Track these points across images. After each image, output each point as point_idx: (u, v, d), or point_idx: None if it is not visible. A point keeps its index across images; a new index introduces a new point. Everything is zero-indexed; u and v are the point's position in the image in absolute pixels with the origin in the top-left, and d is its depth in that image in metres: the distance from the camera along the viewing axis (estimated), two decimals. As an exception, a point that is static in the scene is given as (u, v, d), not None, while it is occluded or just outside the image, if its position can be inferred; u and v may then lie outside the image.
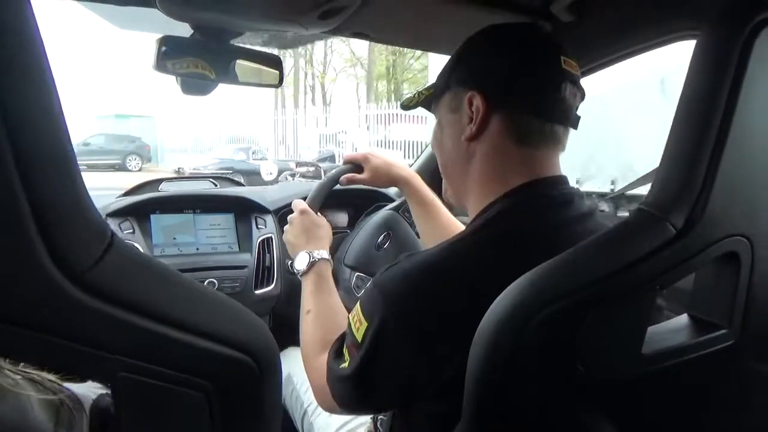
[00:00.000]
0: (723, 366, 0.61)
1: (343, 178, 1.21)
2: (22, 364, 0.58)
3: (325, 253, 1.05)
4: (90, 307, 0.30)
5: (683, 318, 0.63)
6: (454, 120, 0.81)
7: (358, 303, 0.75)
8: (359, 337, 0.72)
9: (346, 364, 0.75)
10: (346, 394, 0.76)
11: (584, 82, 0.81)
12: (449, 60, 0.83)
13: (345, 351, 0.76)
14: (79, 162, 0.30)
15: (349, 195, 1.67)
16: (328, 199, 1.20)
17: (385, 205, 1.76)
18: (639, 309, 0.55)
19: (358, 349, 0.72)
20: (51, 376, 0.59)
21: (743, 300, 0.58)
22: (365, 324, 0.71)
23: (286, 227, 1.14)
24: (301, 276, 1.04)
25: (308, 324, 0.96)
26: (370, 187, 1.80)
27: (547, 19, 1.03)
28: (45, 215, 0.28)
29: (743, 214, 0.56)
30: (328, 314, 0.96)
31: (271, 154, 17.72)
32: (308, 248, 1.05)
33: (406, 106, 0.96)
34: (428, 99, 0.88)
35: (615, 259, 0.54)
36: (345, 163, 1.25)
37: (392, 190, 1.84)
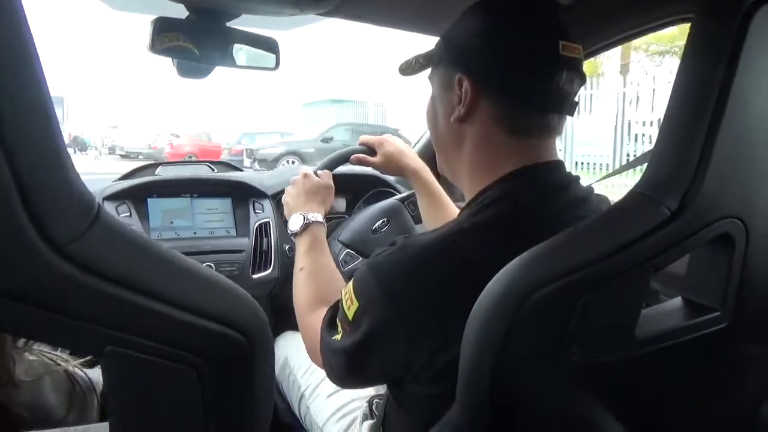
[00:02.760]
0: (716, 348, 0.61)
1: (353, 157, 1.24)
2: (36, 346, 0.58)
3: (319, 216, 1.06)
4: (76, 279, 0.30)
5: (677, 301, 0.63)
6: (446, 98, 0.79)
7: (351, 281, 0.75)
8: (350, 315, 0.72)
9: (338, 336, 0.75)
10: (337, 366, 0.77)
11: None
12: (443, 34, 0.81)
13: (338, 323, 0.77)
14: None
15: (348, 180, 1.67)
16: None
17: (384, 191, 1.77)
18: (632, 291, 0.55)
19: (350, 326, 0.73)
20: (67, 357, 0.60)
21: (737, 282, 0.58)
22: (356, 304, 0.71)
23: (287, 188, 1.16)
24: (294, 237, 1.06)
25: (301, 281, 0.97)
26: (370, 172, 1.81)
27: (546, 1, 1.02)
28: (30, 188, 0.28)
29: (737, 196, 0.56)
30: (321, 272, 0.98)
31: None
32: (304, 210, 1.07)
33: (404, 70, 0.93)
34: (424, 68, 0.87)
35: (609, 241, 0.54)
36: (360, 144, 1.27)
37: (392, 177, 1.84)
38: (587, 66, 0.81)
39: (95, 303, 0.31)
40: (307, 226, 1.04)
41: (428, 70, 0.86)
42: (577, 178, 0.78)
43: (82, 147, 23.59)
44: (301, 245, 1.03)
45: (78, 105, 33.36)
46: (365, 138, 1.27)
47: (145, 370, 0.33)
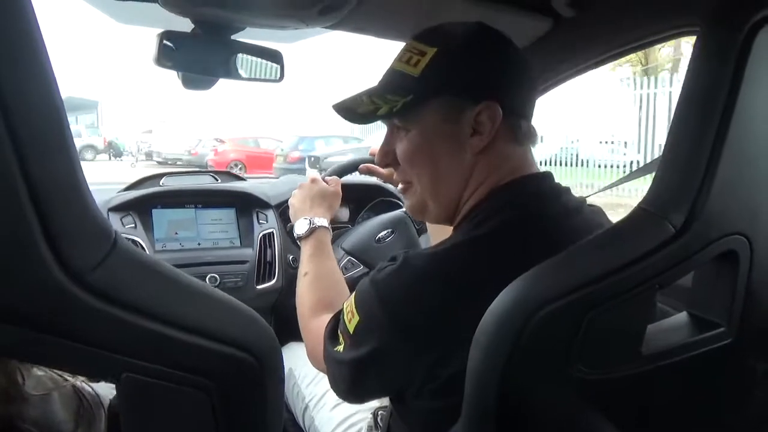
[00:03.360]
0: (721, 364, 0.61)
1: (363, 166, 1.26)
2: None
3: (325, 222, 1.07)
4: (94, 308, 0.30)
5: (682, 316, 0.64)
6: (451, 131, 0.73)
7: (353, 294, 0.75)
8: (350, 328, 0.73)
9: (341, 348, 0.75)
10: (340, 378, 0.77)
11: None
12: (432, 61, 0.72)
13: (339, 334, 0.77)
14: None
15: (352, 189, 1.67)
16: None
17: (387, 201, 1.77)
18: (638, 308, 0.56)
19: (351, 340, 0.73)
20: (69, 376, 0.60)
21: (742, 298, 0.58)
22: (357, 318, 0.72)
23: (294, 191, 1.16)
24: (300, 241, 1.06)
25: (305, 286, 0.97)
26: (374, 182, 1.81)
27: (548, 15, 1.03)
28: (51, 220, 0.29)
29: (742, 213, 0.56)
30: (326, 277, 0.98)
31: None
32: (310, 214, 1.07)
33: (354, 115, 0.78)
34: (404, 107, 0.73)
35: (614, 258, 0.54)
36: (371, 154, 1.28)
37: (395, 187, 1.84)
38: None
39: (112, 331, 0.31)
40: (313, 230, 1.05)
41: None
42: (568, 188, 0.79)
43: (117, 153, 22.67)
44: (306, 249, 1.04)
45: (112, 109, 32.22)
46: (376, 149, 1.27)
47: (160, 395, 0.33)
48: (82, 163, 0.31)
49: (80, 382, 0.62)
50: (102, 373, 0.33)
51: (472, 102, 0.72)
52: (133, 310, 0.31)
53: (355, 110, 0.78)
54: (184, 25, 1.08)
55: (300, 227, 1.06)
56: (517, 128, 0.75)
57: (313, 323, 0.89)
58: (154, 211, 1.53)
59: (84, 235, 0.31)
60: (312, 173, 1.21)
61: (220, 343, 0.35)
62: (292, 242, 1.63)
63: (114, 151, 22.57)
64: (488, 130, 0.72)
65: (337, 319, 0.80)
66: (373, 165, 1.25)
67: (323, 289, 0.95)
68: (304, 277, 0.99)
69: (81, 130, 23.26)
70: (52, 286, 0.29)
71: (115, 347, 0.31)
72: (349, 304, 0.75)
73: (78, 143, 21.13)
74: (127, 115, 31.01)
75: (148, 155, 21.13)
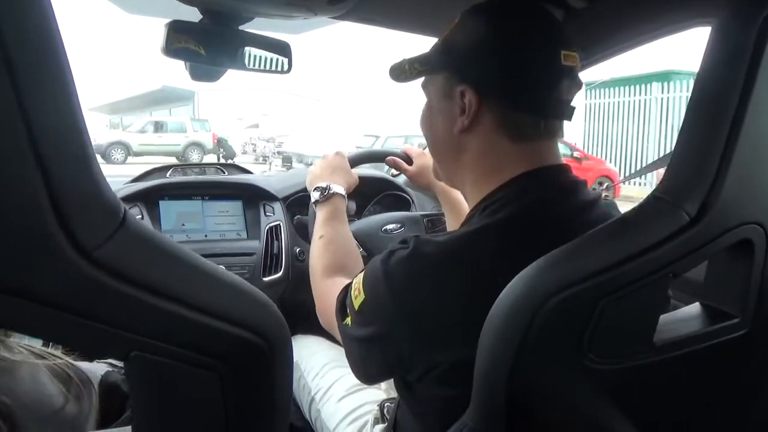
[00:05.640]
0: (735, 355, 0.61)
1: (389, 158, 1.31)
2: (26, 340, 0.58)
3: (342, 190, 1.09)
4: (103, 284, 0.30)
5: (695, 307, 0.63)
6: (446, 107, 0.78)
7: (363, 272, 0.76)
8: (356, 304, 0.74)
9: (348, 321, 0.76)
10: (349, 353, 0.78)
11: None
12: (447, 36, 0.77)
13: (347, 308, 0.77)
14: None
15: (360, 182, 1.68)
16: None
17: (393, 194, 1.77)
18: (651, 297, 0.55)
19: (356, 316, 0.74)
20: (57, 353, 0.59)
21: (757, 289, 0.58)
22: (363, 296, 0.72)
23: (316, 161, 1.19)
24: (316, 205, 1.08)
25: (319, 248, 0.99)
26: (381, 176, 1.81)
27: (559, 6, 1.02)
28: (60, 194, 0.28)
29: (757, 202, 0.56)
30: (340, 241, 1.00)
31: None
32: (329, 181, 1.10)
33: (397, 76, 0.85)
34: (421, 75, 0.82)
35: (628, 246, 0.53)
36: (403, 152, 1.33)
37: (401, 180, 1.84)
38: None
39: (122, 308, 0.31)
40: (330, 196, 1.07)
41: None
42: (584, 182, 0.78)
43: (229, 153, 17.79)
44: (322, 213, 1.05)
45: (209, 100, 28.64)
46: (408, 148, 1.34)
47: (169, 375, 0.33)
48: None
49: (66, 359, 0.61)
50: (110, 352, 0.32)
51: (459, 82, 0.74)
52: (142, 287, 0.31)
53: (398, 74, 0.85)
54: (192, 15, 1.08)
55: (317, 192, 1.08)
56: (511, 122, 0.73)
57: (325, 284, 0.91)
58: (161, 202, 1.53)
59: (93, 210, 0.30)
60: (338, 148, 1.25)
61: (232, 325, 0.35)
62: (299, 235, 1.63)
63: (225, 151, 17.93)
64: (469, 113, 0.74)
65: (345, 292, 0.80)
66: (399, 160, 1.29)
67: (336, 253, 0.97)
68: (319, 240, 1.00)
69: (186, 124, 18.96)
70: (62, 262, 0.29)
71: (125, 324, 0.31)
72: (357, 281, 0.75)
73: (181, 140, 17.89)
74: (225, 107, 27.49)
75: (286, 159, 15.32)
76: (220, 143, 18.00)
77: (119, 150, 17.14)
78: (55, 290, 0.29)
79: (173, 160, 15.28)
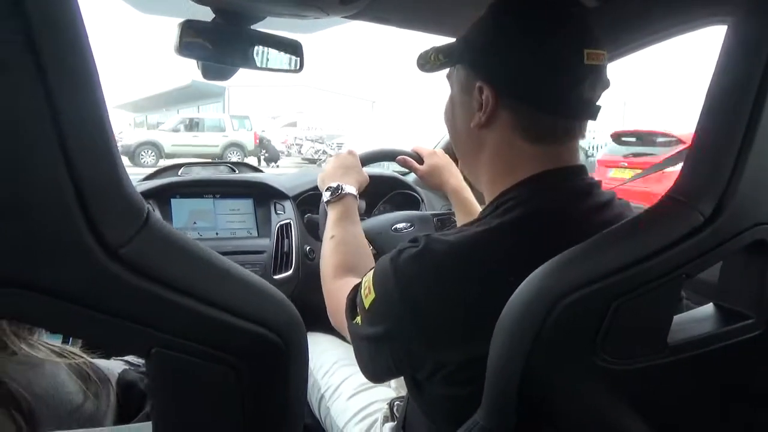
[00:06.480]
0: (750, 356, 0.60)
1: (400, 158, 1.31)
2: (45, 337, 0.59)
3: (353, 190, 1.09)
4: (127, 282, 0.31)
5: (709, 307, 0.63)
6: (466, 101, 0.77)
7: (372, 270, 0.75)
8: (366, 303, 0.73)
9: (359, 320, 0.76)
10: (358, 352, 0.78)
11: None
12: (469, 30, 0.77)
13: (357, 307, 0.77)
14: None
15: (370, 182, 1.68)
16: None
17: (403, 193, 1.77)
18: (665, 297, 0.55)
19: (365, 315, 0.74)
20: (76, 350, 0.60)
21: None
22: (373, 295, 0.72)
23: (328, 158, 1.20)
24: (327, 205, 1.08)
25: (330, 248, 0.99)
26: (390, 174, 1.81)
27: (572, 4, 1.02)
28: (86, 193, 0.29)
29: None
30: (350, 241, 1.00)
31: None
32: (340, 181, 1.10)
33: (422, 65, 0.84)
34: (444, 66, 0.81)
35: (641, 247, 0.53)
36: (413, 150, 1.33)
37: (410, 178, 1.85)
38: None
39: (144, 305, 0.31)
40: (342, 196, 1.07)
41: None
42: (599, 182, 0.78)
43: (272, 156, 15.72)
44: (333, 213, 1.05)
45: (240, 96, 26.14)
46: (419, 147, 1.34)
47: (188, 371, 0.33)
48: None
49: (84, 357, 0.62)
50: (132, 348, 0.33)
51: (478, 77, 0.74)
52: (165, 284, 0.32)
53: (423, 63, 0.84)
54: (204, 15, 1.09)
55: (329, 192, 1.08)
56: (529, 122, 0.72)
57: (336, 284, 0.91)
58: (173, 200, 1.54)
59: (119, 209, 0.31)
60: (350, 147, 1.26)
61: (249, 322, 0.35)
62: (309, 233, 1.64)
63: (267, 152, 15.85)
64: (486, 109, 0.74)
65: (356, 291, 0.80)
66: (410, 159, 1.29)
67: (347, 254, 0.97)
68: (330, 240, 1.00)
69: (225, 121, 16.64)
70: (89, 259, 0.29)
71: (147, 321, 0.31)
72: (367, 280, 0.75)
73: (219, 140, 15.62)
74: (257, 104, 25.10)
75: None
76: (262, 143, 15.99)
77: (149, 151, 15.02)
78: (83, 288, 0.30)
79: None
